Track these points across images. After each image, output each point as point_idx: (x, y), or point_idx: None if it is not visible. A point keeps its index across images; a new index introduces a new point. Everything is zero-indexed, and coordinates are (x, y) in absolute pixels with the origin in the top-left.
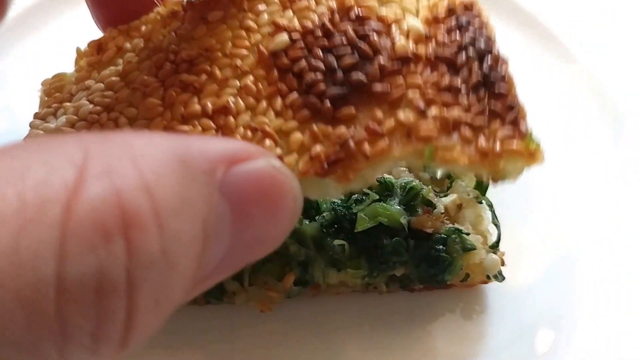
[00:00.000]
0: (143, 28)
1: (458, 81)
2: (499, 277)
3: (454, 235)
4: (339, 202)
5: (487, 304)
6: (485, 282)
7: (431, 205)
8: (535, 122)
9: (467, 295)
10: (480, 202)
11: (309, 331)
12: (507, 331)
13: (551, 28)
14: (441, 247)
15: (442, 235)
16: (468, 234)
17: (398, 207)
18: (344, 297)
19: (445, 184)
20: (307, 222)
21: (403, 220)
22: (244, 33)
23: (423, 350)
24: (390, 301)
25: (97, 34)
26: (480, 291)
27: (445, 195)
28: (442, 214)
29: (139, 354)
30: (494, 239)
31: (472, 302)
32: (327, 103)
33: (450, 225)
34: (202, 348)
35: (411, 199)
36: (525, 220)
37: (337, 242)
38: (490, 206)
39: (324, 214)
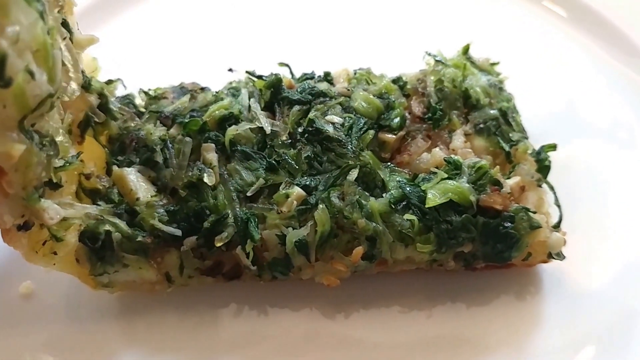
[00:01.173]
0: None
1: None
2: (561, 255)
3: (521, 214)
4: (406, 180)
5: (542, 287)
6: (545, 262)
7: (498, 184)
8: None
9: (523, 278)
10: (540, 186)
11: (370, 305)
12: (561, 315)
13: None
14: (509, 224)
15: (510, 213)
16: (535, 213)
17: (467, 185)
18: (406, 276)
19: (508, 168)
20: (374, 199)
21: (472, 198)
22: None
23: (480, 332)
24: (448, 282)
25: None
26: (536, 274)
27: (509, 178)
28: (508, 193)
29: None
30: (554, 220)
31: (527, 284)
32: None
33: (517, 204)
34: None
35: (479, 178)
36: (588, 206)
37: (407, 216)
38: (552, 189)
39: (391, 191)
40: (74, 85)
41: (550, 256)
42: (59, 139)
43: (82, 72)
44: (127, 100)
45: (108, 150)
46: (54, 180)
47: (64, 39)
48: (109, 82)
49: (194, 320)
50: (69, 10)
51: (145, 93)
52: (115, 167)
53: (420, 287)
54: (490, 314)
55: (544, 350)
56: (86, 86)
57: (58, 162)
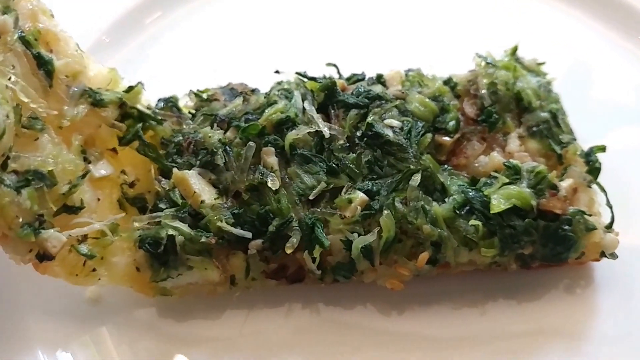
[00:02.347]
0: None
1: None
2: (614, 255)
3: (578, 216)
4: (467, 184)
5: (593, 280)
6: (597, 260)
7: (555, 188)
8: None
9: (573, 272)
10: (590, 187)
11: (424, 303)
12: (614, 307)
13: None
14: (567, 227)
15: (568, 216)
16: (590, 215)
17: (528, 190)
18: (459, 275)
19: (560, 170)
20: (437, 204)
21: (533, 203)
22: None
23: (534, 326)
24: (500, 279)
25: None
26: (586, 268)
27: (561, 180)
28: (564, 197)
29: None
30: (605, 220)
31: (578, 278)
32: None
33: (573, 207)
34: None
35: (538, 182)
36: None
37: (472, 222)
38: (603, 190)
39: (454, 196)
40: (78, 108)
41: (602, 255)
42: (49, 168)
43: (87, 89)
44: (171, 103)
45: (163, 152)
46: (68, 205)
47: (43, 70)
48: (129, 88)
49: (253, 320)
50: (52, 40)
51: (196, 95)
52: (175, 170)
53: (473, 284)
54: (543, 308)
55: (599, 341)
56: (95, 102)
57: (64, 188)
